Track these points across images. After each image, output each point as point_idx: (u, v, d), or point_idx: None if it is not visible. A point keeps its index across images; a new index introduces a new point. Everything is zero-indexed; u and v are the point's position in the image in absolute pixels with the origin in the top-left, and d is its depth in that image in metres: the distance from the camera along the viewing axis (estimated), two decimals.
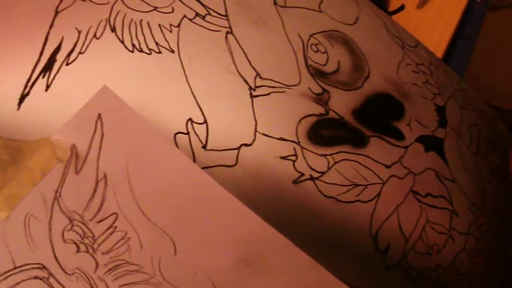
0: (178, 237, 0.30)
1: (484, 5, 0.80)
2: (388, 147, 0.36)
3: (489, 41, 0.86)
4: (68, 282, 0.30)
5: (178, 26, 0.33)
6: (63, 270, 0.30)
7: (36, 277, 0.29)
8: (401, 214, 0.35)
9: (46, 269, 0.29)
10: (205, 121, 0.31)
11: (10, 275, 0.29)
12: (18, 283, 0.29)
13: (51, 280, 0.29)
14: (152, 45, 0.32)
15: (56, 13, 0.32)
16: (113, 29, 0.32)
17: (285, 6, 0.37)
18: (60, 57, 0.31)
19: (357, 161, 0.34)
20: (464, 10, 0.78)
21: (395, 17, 0.57)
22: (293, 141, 0.33)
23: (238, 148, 0.32)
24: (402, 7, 0.69)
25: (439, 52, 0.72)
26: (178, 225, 0.30)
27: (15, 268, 0.29)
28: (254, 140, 0.32)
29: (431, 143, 0.39)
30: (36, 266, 0.29)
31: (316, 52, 0.36)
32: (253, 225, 0.30)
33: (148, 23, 0.33)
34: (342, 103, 0.35)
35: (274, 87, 0.34)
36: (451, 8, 0.77)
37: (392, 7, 0.72)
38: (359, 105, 0.36)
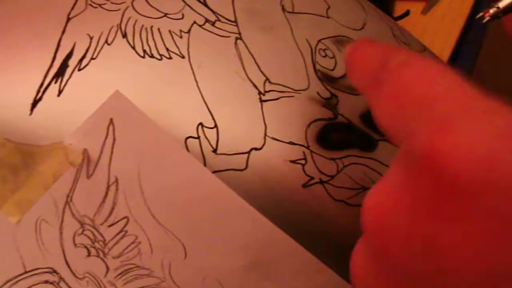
0: (189, 241, 0.30)
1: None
2: (396, 151, 0.36)
3: (494, 46, 0.86)
4: (78, 286, 0.30)
5: (188, 32, 0.33)
6: (74, 274, 0.30)
7: (46, 282, 0.30)
8: None
9: (57, 273, 0.29)
10: (216, 126, 0.32)
11: (20, 280, 0.29)
12: None
13: (62, 284, 0.30)
14: (163, 51, 0.32)
15: (68, 19, 0.32)
16: (124, 35, 0.32)
17: (293, 12, 0.37)
18: (72, 62, 0.31)
19: (366, 165, 0.34)
20: (469, 15, 0.78)
21: (400, 22, 0.57)
22: (302, 145, 0.33)
23: (248, 152, 0.32)
24: (407, 13, 0.69)
25: (444, 58, 0.72)
26: (189, 229, 0.30)
27: (25, 272, 0.29)
28: (264, 144, 0.32)
29: None
30: (46, 270, 0.29)
31: (324, 57, 0.36)
32: (263, 229, 0.30)
33: (158, 29, 0.33)
34: (350, 108, 0.35)
35: (283, 91, 0.34)
36: (455, 13, 0.77)
37: (397, 12, 0.72)
38: (367, 109, 0.36)
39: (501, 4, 0.31)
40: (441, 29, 0.76)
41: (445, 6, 0.79)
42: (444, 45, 0.74)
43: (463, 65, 0.73)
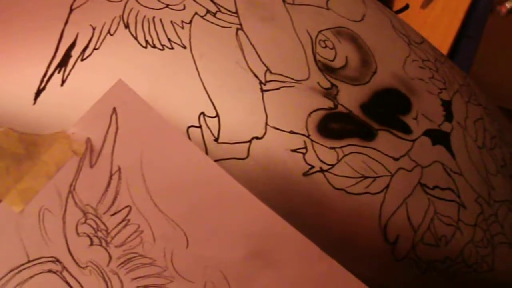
0: (191, 230, 0.30)
1: (487, 5, 0.80)
2: (396, 140, 0.36)
3: (493, 42, 0.86)
4: (81, 275, 0.30)
5: (190, 23, 0.34)
6: (77, 263, 0.30)
7: (49, 271, 0.30)
8: (410, 206, 0.35)
9: (60, 262, 0.29)
10: (217, 115, 0.32)
11: (24, 269, 0.29)
12: (31, 277, 0.29)
13: (65, 273, 0.30)
14: (165, 41, 0.33)
15: (71, 10, 0.32)
16: (127, 26, 0.32)
17: (293, 4, 0.37)
18: (75, 53, 0.31)
19: (365, 154, 0.35)
20: (468, 10, 0.78)
21: (399, 16, 0.57)
22: (303, 134, 0.33)
23: (250, 141, 0.32)
24: (406, 7, 0.69)
25: (443, 52, 0.72)
26: (191, 217, 0.30)
27: (29, 261, 0.29)
28: (265, 134, 0.33)
29: (438, 137, 0.39)
30: (49, 259, 0.29)
31: (324, 48, 0.37)
32: (264, 217, 0.30)
33: (160, 19, 0.33)
34: (350, 98, 0.36)
35: (284, 81, 0.34)
36: (454, 8, 0.78)
37: (397, 6, 0.72)
38: (367, 100, 0.36)
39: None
40: (440, 23, 0.76)
41: (444, 0, 0.79)
42: (443, 39, 0.74)
43: (462, 58, 0.73)
